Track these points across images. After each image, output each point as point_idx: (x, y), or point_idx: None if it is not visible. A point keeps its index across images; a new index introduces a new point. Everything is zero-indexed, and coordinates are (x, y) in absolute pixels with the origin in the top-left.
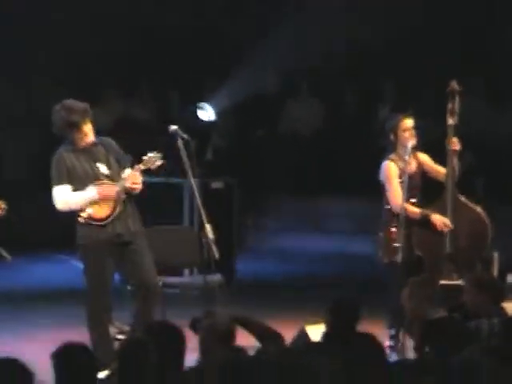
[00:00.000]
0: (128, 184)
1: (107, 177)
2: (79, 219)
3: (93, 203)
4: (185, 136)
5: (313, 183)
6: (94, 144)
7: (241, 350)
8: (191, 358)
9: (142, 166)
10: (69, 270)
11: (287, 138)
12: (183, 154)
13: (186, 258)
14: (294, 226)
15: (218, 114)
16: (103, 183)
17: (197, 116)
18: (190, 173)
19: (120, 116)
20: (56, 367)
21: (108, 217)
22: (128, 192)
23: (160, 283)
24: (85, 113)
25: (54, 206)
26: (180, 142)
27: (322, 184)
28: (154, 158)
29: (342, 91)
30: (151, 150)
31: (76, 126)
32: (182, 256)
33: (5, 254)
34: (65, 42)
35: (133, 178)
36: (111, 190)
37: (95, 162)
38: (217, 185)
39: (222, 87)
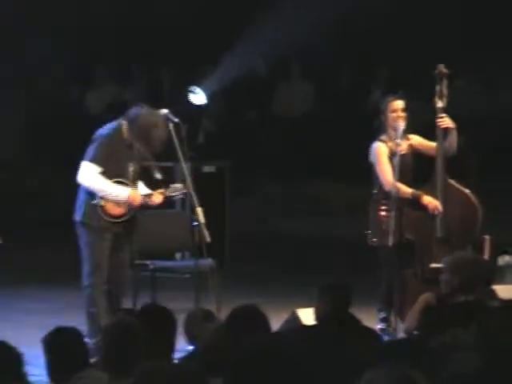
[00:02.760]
0: (151, 200)
1: (132, 180)
2: (93, 202)
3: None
4: (176, 120)
5: (303, 166)
6: (132, 145)
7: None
8: (182, 341)
9: (166, 193)
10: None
11: (278, 121)
12: (174, 137)
13: (177, 242)
14: (284, 209)
15: (209, 97)
16: (127, 186)
17: (188, 100)
18: (181, 156)
19: (112, 100)
20: (47, 352)
21: (118, 217)
22: (147, 205)
23: (151, 267)
24: (164, 142)
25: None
26: (171, 126)
27: (312, 167)
28: (178, 190)
29: (334, 73)
30: None
31: (147, 144)
32: (174, 240)
33: None
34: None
35: (156, 198)
36: (138, 200)
37: (130, 160)
38: (208, 169)
39: (213, 71)
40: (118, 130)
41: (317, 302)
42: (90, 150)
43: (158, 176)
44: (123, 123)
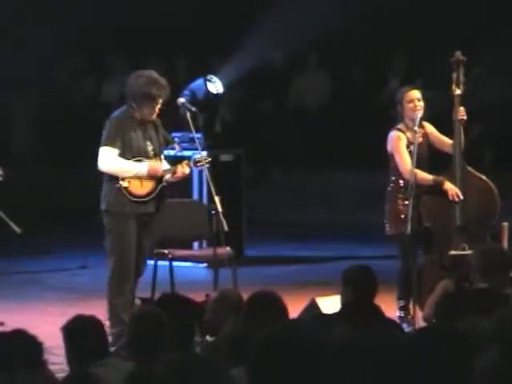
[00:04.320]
0: (177, 172)
1: (154, 157)
2: (116, 185)
3: (136, 178)
4: (193, 108)
5: (320, 156)
6: (149, 122)
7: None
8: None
9: (191, 164)
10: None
11: (295, 111)
12: (191, 126)
13: (195, 231)
14: (301, 198)
15: (225, 86)
16: (153, 161)
17: (206, 88)
18: (198, 145)
19: None
20: (67, 340)
21: (145, 196)
22: (170, 179)
23: (170, 256)
24: (166, 89)
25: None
26: (188, 115)
27: (329, 157)
28: (204, 160)
29: (351, 64)
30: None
31: (153, 100)
32: (191, 229)
33: (14, 226)
34: (70, 16)
35: (183, 169)
36: (159, 170)
37: (146, 139)
38: (226, 157)
39: (229, 60)
40: (126, 111)
41: (341, 290)
42: (103, 135)
43: (179, 150)
44: (132, 105)
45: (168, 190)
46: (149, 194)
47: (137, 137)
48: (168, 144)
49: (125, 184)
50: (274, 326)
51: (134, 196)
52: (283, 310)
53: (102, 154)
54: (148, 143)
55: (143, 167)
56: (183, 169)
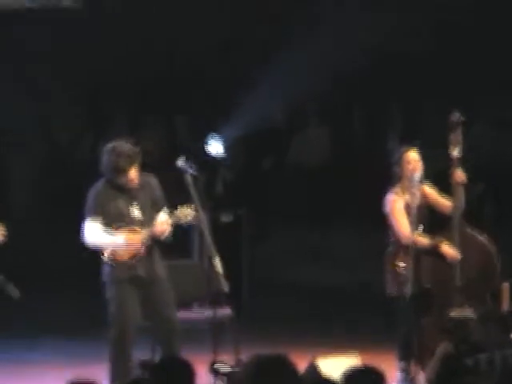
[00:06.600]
0: (156, 231)
1: (139, 221)
2: (102, 257)
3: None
4: (193, 172)
5: (321, 214)
6: (135, 186)
7: None
8: None
9: (173, 219)
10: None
11: (295, 169)
12: (191, 188)
13: (195, 292)
14: (302, 257)
15: (225, 146)
16: (133, 230)
17: (205, 150)
18: (199, 207)
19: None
20: None
21: (131, 258)
22: (154, 238)
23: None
24: (133, 158)
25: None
26: (188, 177)
27: (330, 215)
28: (186, 213)
29: (350, 121)
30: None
31: (123, 172)
32: (192, 290)
33: (12, 290)
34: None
35: (161, 227)
36: (137, 240)
37: (131, 204)
38: (226, 218)
39: (229, 120)
40: (106, 181)
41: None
42: (85, 208)
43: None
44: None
45: (164, 251)
46: (133, 256)
47: (116, 204)
48: (160, 206)
49: (107, 254)
50: None
51: (120, 262)
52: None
53: (84, 229)
54: (133, 208)
55: (119, 240)
56: (162, 226)
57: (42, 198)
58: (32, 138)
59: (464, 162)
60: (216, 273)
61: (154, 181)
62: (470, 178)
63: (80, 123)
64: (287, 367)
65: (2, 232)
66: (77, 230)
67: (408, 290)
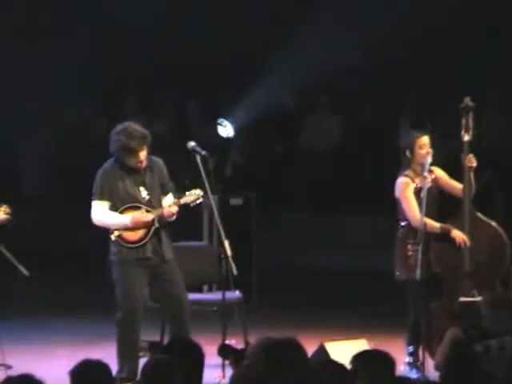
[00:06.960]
0: (164, 213)
1: (147, 202)
2: (111, 237)
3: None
4: (203, 152)
5: (331, 198)
6: (144, 168)
7: None
8: (209, 375)
9: (181, 201)
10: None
11: (306, 153)
12: (202, 170)
13: (204, 275)
14: (311, 241)
15: (236, 129)
16: (140, 210)
17: (216, 132)
18: (208, 189)
19: None
20: None
21: (139, 241)
22: (162, 220)
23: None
24: (144, 139)
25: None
26: (198, 159)
27: (340, 199)
28: (195, 196)
29: (362, 105)
30: (174, 168)
31: (133, 152)
32: (201, 273)
33: (22, 269)
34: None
35: (169, 209)
36: (144, 219)
37: (139, 185)
38: (236, 201)
39: (240, 103)
40: (114, 161)
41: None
42: (93, 188)
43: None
44: (118, 157)
45: (174, 233)
46: (142, 238)
47: (124, 185)
48: (168, 189)
49: (117, 233)
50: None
51: (129, 242)
52: (302, 358)
53: (92, 209)
54: (141, 189)
55: (126, 219)
56: (170, 208)
57: (55, 180)
58: (44, 122)
59: (474, 147)
60: (225, 255)
61: (161, 163)
62: (479, 165)
63: (93, 107)
64: (296, 349)
65: (7, 212)
66: (89, 212)
67: (417, 274)
